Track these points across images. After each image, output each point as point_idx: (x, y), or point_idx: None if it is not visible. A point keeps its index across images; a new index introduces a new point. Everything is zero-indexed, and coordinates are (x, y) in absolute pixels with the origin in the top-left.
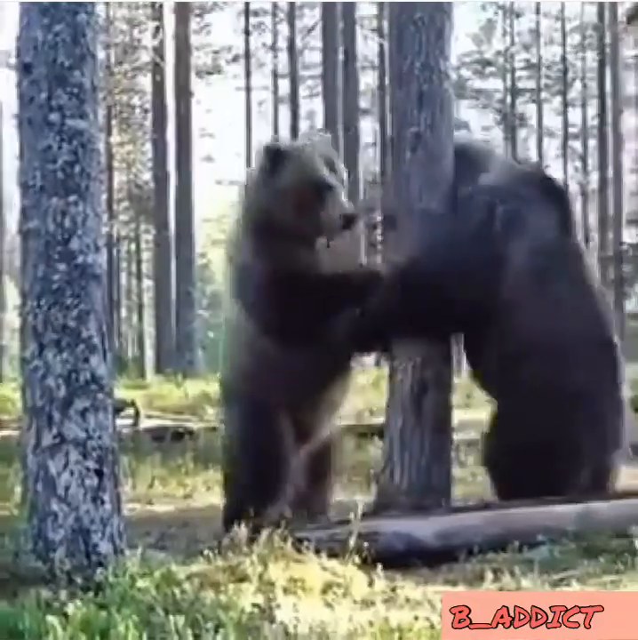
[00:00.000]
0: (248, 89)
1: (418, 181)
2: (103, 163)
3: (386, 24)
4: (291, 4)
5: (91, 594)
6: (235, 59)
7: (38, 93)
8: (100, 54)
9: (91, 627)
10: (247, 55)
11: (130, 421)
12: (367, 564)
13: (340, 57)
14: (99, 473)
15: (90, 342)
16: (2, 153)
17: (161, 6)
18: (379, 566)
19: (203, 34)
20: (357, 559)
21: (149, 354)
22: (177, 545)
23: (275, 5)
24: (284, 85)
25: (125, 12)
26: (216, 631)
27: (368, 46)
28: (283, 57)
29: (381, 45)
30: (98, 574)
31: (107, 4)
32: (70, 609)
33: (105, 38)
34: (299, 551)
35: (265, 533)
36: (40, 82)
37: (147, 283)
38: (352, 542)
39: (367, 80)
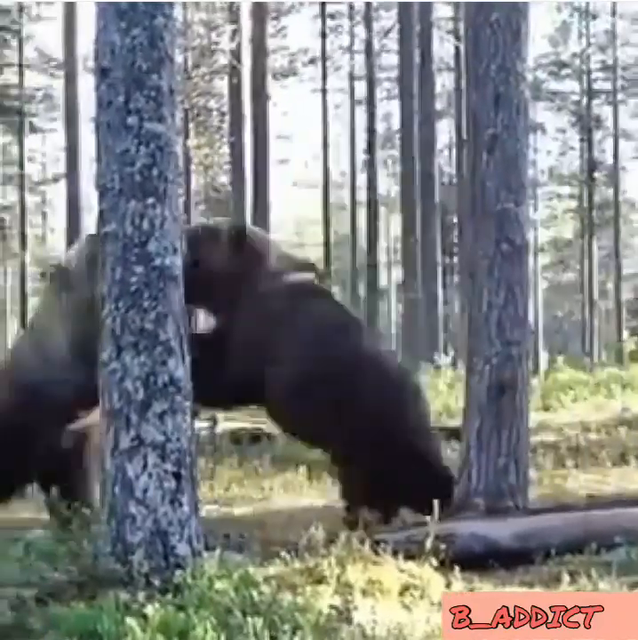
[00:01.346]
0: (324, 91)
1: (494, 183)
2: (180, 165)
3: (462, 26)
4: (368, 7)
5: (169, 596)
6: (312, 61)
7: (116, 97)
8: (178, 57)
9: (169, 628)
10: (323, 58)
11: (207, 424)
12: (444, 565)
13: (417, 59)
14: (178, 475)
15: (167, 345)
16: (79, 156)
17: (238, 9)
18: (457, 568)
19: (280, 37)
20: (434, 561)
21: None
22: (254, 547)
23: (351, 8)
24: (361, 88)
25: (203, 15)
26: (293, 633)
27: (444, 48)
28: (360, 59)
29: (457, 47)
30: (176, 576)
31: (184, 6)
32: (149, 611)
33: (182, 41)
34: (376, 553)
35: (343, 535)
36: (118, 85)
37: None
38: (429, 544)
39: (443, 82)
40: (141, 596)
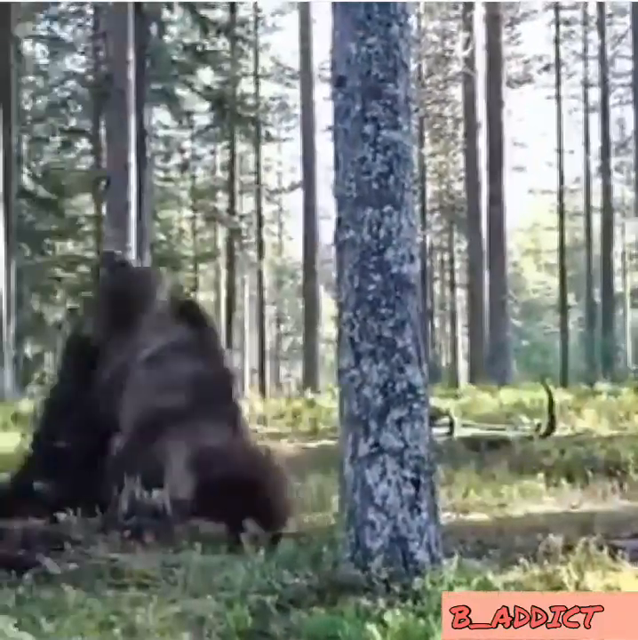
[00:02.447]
0: (558, 98)
1: None
2: (416, 173)
3: None
4: (601, 13)
5: (408, 602)
6: (546, 68)
7: (353, 105)
8: (412, 66)
9: (409, 635)
10: (557, 64)
11: (445, 430)
12: None
13: None
14: (416, 482)
15: (405, 352)
16: (315, 165)
17: (472, 17)
18: None
19: (514, 43)
20: None
21: (463, 363)
22: (493, 553)
23: (585, 14)
24: (594, 94)
25: (437, 23)
26: None
27: None
28: (594, 65)
29: None
30: (415, 583)
31: (418, 15)
32: (389, 617)
33: (417, 50)
34: (614, 559)
35: (581, 541)
36: (354, 94)
37: (460, 292)
38: None
39: None
40: (381, 602)
